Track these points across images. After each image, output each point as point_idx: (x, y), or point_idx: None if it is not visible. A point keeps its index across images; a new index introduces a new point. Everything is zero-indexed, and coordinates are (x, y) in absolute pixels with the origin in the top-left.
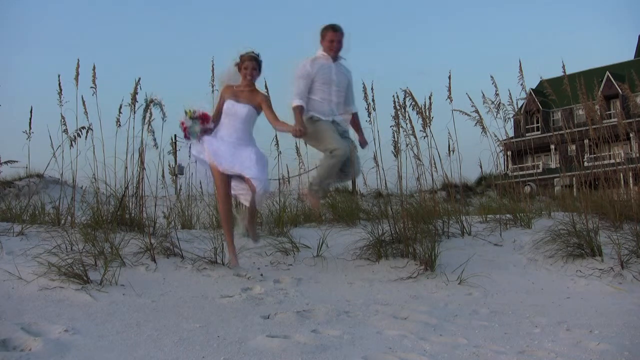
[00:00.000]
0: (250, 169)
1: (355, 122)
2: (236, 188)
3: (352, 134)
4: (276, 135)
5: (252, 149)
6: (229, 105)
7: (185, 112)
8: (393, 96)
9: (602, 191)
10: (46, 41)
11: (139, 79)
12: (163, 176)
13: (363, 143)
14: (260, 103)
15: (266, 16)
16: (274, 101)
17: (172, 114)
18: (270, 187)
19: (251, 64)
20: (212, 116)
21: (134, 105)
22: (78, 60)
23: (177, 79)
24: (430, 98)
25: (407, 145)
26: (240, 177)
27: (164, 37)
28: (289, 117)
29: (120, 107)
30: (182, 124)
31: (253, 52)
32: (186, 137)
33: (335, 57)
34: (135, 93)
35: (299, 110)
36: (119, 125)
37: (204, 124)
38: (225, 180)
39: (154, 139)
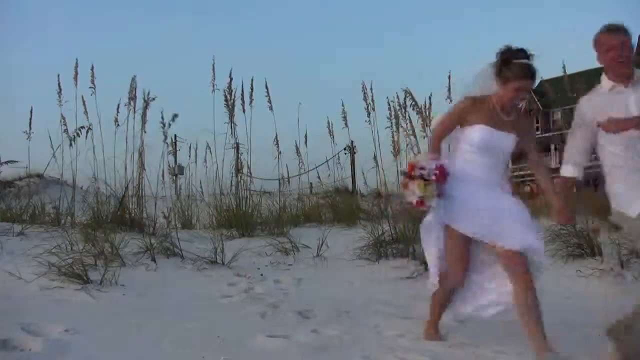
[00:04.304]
0: (516, 237)
1: None
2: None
3: None
4: (276, 136)
5: (510, 196)
6: (485, 134)
7: (418, 185)
8: (387, 97)
9: (602, 191)
10: (46, 39)
11: (134, 77)
12: (163, 176)
13: None
14: (523, 133)
15: (266, 14)
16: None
17: (173, 112)
18: (544, 258)
19: (529, 86)
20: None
21: (134, 105)
22: (77, 60)
23: (177, 76)
24: (430, 98)
25: (407, 145)
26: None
27: (164, 34)
28: None
29: (118, 106)
30: (420, 202)
31: (534, 67)
32: (419, 206)
33: (628, 78)
34: (134, 93)
35: (566, 187)
36: (117, 125)
37: (441, 181)
38: (463, 239)
39: (164, 133)
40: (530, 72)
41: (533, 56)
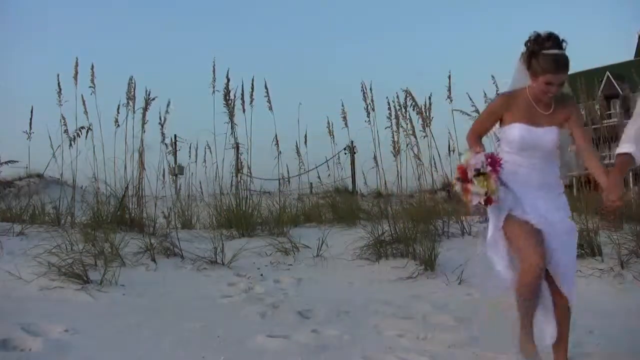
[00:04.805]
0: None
1: None
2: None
3: None
4: (276, 136)
5: (556, 204)
6: (523, 133)
7: (478, 182)
8: (387, 97)
9: (602, 191)
10: (46, 39)
11: (132, 77)
12: (163, 176)
13: None
14: (568, 118)
15: (266, 14)
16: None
17: (175, 112)
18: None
19: (561, 79)
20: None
21: (133, 105)
22: (77, 59)
23: (177, 76)
24: (430, 98)
25: (407, 145)
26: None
27: (164, 34)
28: None
29: (118, 107)
30: (489, 200)
31: (565, 57)
32: (489, 203)
33: None
34: (133, 93)
35: (621, 165)
36: (117, 125)
37: (497, 169)
38: (534, 233)
39: (162, 133)
40: (560, 64)
41: (565, 43)
